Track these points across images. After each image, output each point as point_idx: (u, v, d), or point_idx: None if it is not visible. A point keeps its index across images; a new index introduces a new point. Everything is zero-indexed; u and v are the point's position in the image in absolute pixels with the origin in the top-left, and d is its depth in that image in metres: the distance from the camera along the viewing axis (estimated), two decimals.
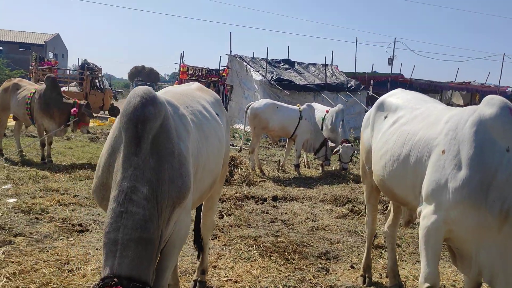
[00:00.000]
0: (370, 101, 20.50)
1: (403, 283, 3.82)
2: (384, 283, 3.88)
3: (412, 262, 4.44)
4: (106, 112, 20.01)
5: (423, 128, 2.95)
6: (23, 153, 8.59)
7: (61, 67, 30.11)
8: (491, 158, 2.45)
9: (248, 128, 9.61)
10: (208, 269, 3.76)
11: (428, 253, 2.70)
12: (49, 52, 39.50)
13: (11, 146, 9.55)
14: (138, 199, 1.93)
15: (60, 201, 5.59)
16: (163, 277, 2.28)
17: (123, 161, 1.99)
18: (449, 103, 30.31)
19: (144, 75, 38.02)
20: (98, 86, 19.74)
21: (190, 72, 25.31)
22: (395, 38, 25.88)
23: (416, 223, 4.13)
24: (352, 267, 4.20)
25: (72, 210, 5.35)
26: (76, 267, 3.76)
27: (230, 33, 18.42)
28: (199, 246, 3.61)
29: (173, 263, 2.39)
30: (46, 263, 3.78)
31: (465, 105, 28.47)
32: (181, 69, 25.29)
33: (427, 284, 2.70)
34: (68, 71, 23.97)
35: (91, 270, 3.72)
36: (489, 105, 2.60)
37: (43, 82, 8.48)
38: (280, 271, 4.00)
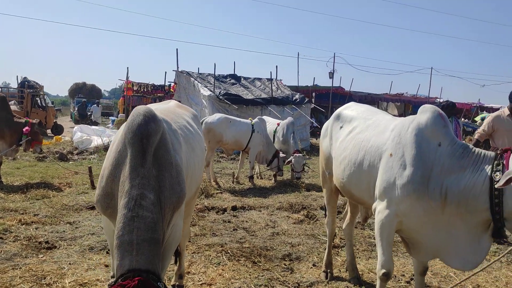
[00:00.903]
0: (313, 113, 21.38)
1: (360, 275, 4.25)
2: (344, 276, 4.29)
3: (366, 258, 4.90)
4: (49, 131, 19.40)
5: (374, 135, 3.41)
6: None
7: None
8: (427, 155, 2.95)
9: None
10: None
11: (383, 243, 3.14)
12: None
13: None
14: (147, 205, 2.18)
15: (22, 220, 5.56)
16: (162, 278, 2.53)
17: (130, 171, 2.24)
18: None
19: (85, 91, 37.00)
20: (40, 104, 19.13)
21: (135, 88, 25.11)
22: (334, 53, 27.06)
23: (369, 221, 4.60)
24: (314, 265, 4.59)
25: (36, 228, 5.36)
26: (54, 281, 3.86)
27: (177, 49, 18.59)
28: (176, 252, 3.84)
29: (168, 263, 2.64)
30: (23, 279, 3.85)
31: (400, 115, 30.41)
32: (126, 85, 25.00)
33: (383, 270, 3.14)
34: (6, 89, 22.92)
35: (69, 283, 3.84)
36: (423, 113, 3.14)
37: None
38: (250, 273, 4.30)
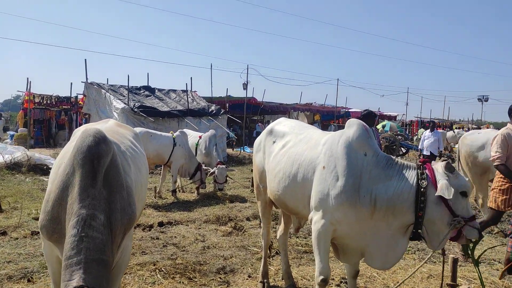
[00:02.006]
0: (228, 124, 21.58)
1: (295, 282, 4.43)
2: (280, 285, 4.44)
3: (296, 265, 5.10)
4: None
5: (307, 149, 3.61)
6: None
7: None
8: (356, 165, 3.24)
9: None
10: None
11: (321, 251, 3.34)
12: None
13: None
14: (97, 225, 2.14)
15: None
16: None
17: (80, 192, 2.19)
18: None
19: None
20: None
21: (37, 100, 23.45)
22: (247, 65, 27.69)
23: (300, 231, 4.82)
24: (249, 276, 4.68)
25: None
26: None
27: (85, 59, 17.71)
28: None
29: (118, 287, 2.57)
30: None
31: (310, 123, 31.84)
32: (26, 97, 23.25)
33: (321, 277, 3.33)
34: None
35: None
36: (350, 127, 3.43)
37: None
38: None
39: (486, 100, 43.45)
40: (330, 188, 3.24)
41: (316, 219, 3.34)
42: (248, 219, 7.42)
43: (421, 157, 13.58)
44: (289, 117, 33.17)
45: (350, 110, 33.67)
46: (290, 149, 3.78)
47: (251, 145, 24.44)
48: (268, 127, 4.24)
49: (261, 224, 4.45)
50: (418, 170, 3.13)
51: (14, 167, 11.78)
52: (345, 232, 3.29)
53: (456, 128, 33.80)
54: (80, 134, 2.42)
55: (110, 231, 2.22)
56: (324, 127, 29.75)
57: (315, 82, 51.99)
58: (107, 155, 2.33)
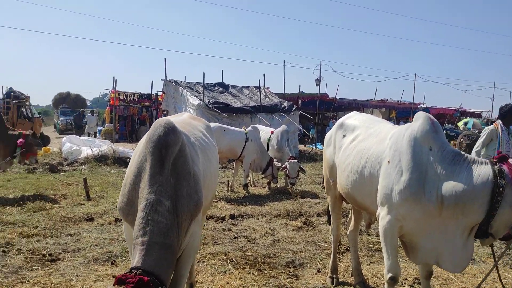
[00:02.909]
0: (300, 120, 21.52)
1: (365, 280, 4.36)
2: (349, 282, 4.39)
3: (368, 263, 5.01)
4: None
5: (375, 143, 3.53)
6: None
7: None
8: (421, 159, 3.09)
9: None
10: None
11: (388, 248, 3.25)
12: None
13: None
14: (162, 211, 2.28)
15: (22, 233, 5.54)
16: (179, 284, 2.60)
17: (149, 179, 2.35)
18: None
19: (70, 101, 36.56)
20: (26, 114, 18.92)
21: (121, 97, 24.97)
22: (320, 61, 27.32)
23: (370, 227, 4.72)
24: (318, 271, 4.68)
25: (37, 241, 5.34)
26: None
27: (165, 58, 18.61)
28: None
29: (188, 271, 2.71)
30: None
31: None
32: (112, 95, 24.86)
33: (390, 274, 3.24)
34: None
35: None
36: (416, 120, 3.29)
37: None
38: (256, 280, 4.37)
39: None
40: (394, 183, 3.14)
41: (382, 215, 3.26)
42: (318, 215, 7.39)
43: None
44: None
45: (428, 107, 32.08)
46: (359, 143, 3.71)
47: (323, 142, 24.15)
48: (339, 120, 4.20)
49: (331, 219, 4.42)
50: (495, 167, 2.91)
51: (101, 159, 12.68)
52: (412, 229, 3.17)
53: None
54: (152, 125, 2.59)
55: (176, 217, 2.36)
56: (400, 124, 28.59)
57: (390, 77, 50.20)
58: (175, 144, 2.47)
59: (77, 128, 25.65)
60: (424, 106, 32.04)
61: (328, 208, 4.53)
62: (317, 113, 23.46)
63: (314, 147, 20.66)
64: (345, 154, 3.81)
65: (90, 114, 24.93)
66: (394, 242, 3.22)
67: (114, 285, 2.03)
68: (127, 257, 4.96)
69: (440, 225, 3.03)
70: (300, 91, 28.12)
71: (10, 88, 19.19)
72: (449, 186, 2.94)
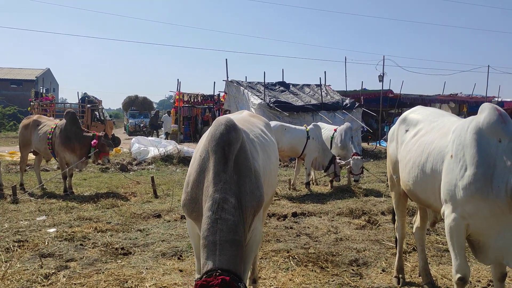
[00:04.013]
0: (363, 118, 21.06)
1: (434, 281, 4.20)
2: (416, 282, 4.25)
3: (437, 264, 4.82)
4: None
5: (438, 138, 3.38)
6: (44, 187, 8.89)
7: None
8: (488, 153, 2.89)
9: None
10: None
11: (455, 247, 3.10)
12: (40, 87, 40.04)
13: (30, 180, 9.84)
14: (229, 208, 2.33)
15: (97, 228, 5.91)
16: (243, 278, 2.66)
17: (213, 177, 2.41)
18: None
19: (138, 104, 38.32)
20: (99, 117, 20.11)
21: (185, 99, 25.80)
22: (383, 56, 26.57)
23: (437, 226, 4.53)
24: (383, 270, 4.57)
25: (110, 235, 5.67)
26: (135, 285, 4.09)
27: (226, 59, 19.01)
28: None
29: (249, 266, 2.76)
30: (107, 283, 4.10)
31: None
32: (176, 97, 25.75)
33: (458, 275, 3.09)
34: (68, 104, 24.28)
35: (149, 286, 4.05)
36: (481, 112, 3.09)
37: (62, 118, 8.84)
38: (319, 278, 4.35)
39: None
40: (457, 179, 2.99)
41: (447, 213, 3.12)
42: (383, 213, 7.21)
43: None
44: None
45: (504, 100, 30.11)
46: (421, 138, 3.59)
47: (387, 139, 23.46)
48: (402, 115, 4.08)
49: (395, 217, 4.30)
50: None
51: (167, 159, 13.20)
52: (479, 227, 2.99)
53: None
54: (213, 123, 2.67)
55: (241, 212, 2.40)
56: None
57: (460, 70, 47.63)
58: (237, 142, 2.53)
59: (153, 128, 26.75)
60: (499, 100, 30.11)
61: (392, 206, 4.41)
62: (380, 109, 22.81)
63: (378, 145, 20.13)
64: (406, 149, 3.70)
65: (166, 114, 25.97)
66: (461, 241, 3.08)
67: None
68: (193, 252, 5.11)
69: (511, 222, 2.85)
70: (363, 87, 27.52)
71: (85, 93, 20.54)
72: None
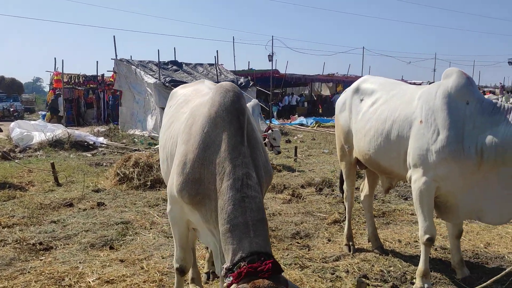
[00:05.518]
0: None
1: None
2: (366, 248, 4.38)
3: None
4: None
5: (401, 105, 3.47)
6: None
7: None
8: (457, 115, 3.05)
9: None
10: None
11: (424, 210, 3.23)
12: None
13: None
14: (253, 184, 2.06)
15: (2, 223, 5.05)
16: None
17: (230, 151, 2.10)
18: (319, 94, 33.25)
19: (4, 86, 33.84)
20: None
21: (65, 80, 23.53)
22: (272, 36, 27.20)
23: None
24: (329, 240, 4.63)
25: (20, 230, 4.89)
26: (75, 282, 3.56)
27: (114, 36, 17.74)
28: None
29: None
30: (40, 283, 3.52)
31: (331, 95, 31.49)
32: (55, 77, 23.40)
33: (427, 236, 3.23)
34: None
35: (93, 281, 3.56)
36: (448, 76, 3.24)
37: None
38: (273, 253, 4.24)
39: None
40: (429, 143, 3.10)
41: (416, 177, 3.22)
42: (302, 186, 7.38)
43: None
44: (310, 89, 32.95)
45: None
46: (381, 106, 3.64)
47: (277, 117, 24.30)
48: (353, 85, 4.10)
49: (345, 186, 4.35)
50: None
51: (56, 144, 11.89)
52: (450, 188, 3.15)
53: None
54: (216, 90, 2.33)
55: (260, 188, 2.15)
56: None
57: (339, 51, 51.02)
58: (246, 110, 2.27)
59: (54, 112, 23.18)
60: None
61: (340, 175, 4.47)
62: (271, 89, 23.41)
63: (269, 123, 20.65)
64: (365, 119, 3.73)
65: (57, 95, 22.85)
66: (430, 203, 3.20)
67: (242, 279, 1.79)
68: (125, 240, 4.67)
69: (480, 180, 3.03)
70: (250, 67, 27.96)
71: None
72: (489, 137, 2.93)
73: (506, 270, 2.84)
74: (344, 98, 4.13)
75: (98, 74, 24.19)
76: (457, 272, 3.59)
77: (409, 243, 4.49)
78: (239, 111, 2.19)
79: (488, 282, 2.81)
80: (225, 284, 1.90)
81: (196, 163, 2.20)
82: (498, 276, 2.77)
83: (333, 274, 3.73)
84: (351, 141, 3.98)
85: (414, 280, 3.47)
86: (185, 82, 16.58)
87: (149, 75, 16.47)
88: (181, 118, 2.69)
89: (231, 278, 1.86)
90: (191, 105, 2.69)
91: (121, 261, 4.04)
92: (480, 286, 2.87)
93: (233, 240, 1.93)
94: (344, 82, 33.20)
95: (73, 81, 24.05)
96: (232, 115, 2.17)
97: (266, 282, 1.77)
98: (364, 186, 4.39)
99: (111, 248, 4.44)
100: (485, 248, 4.34)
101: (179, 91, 3.40)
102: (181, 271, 2.82)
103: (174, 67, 18.67)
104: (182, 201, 2.34)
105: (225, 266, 1.93)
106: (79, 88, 24.09)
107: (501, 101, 5.98)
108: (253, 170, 2.11)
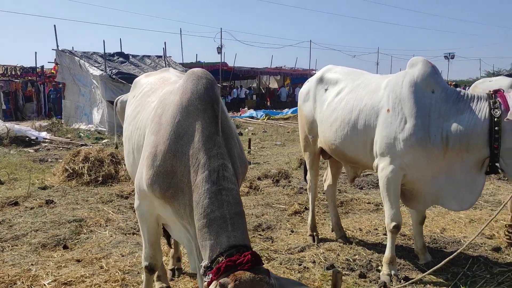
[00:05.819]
0: None
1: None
2: (329, 237, 4.40)
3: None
4: None
5: (367, 94, 3.48)
6: None
7: None
8: (423, 104, 3.11)
9: None
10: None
11: (390, 197, 3.28)
12: None
13: None
14: (229, 176, 1.96)
15: None
16: None
17: (205, 141, 1.99)
18: (268, 87, 33.43)
19: None
20: None
21: (1, 71, 22.09)
22: (221, 28, 26.96)
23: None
24: (292, 231, 4.62)
25: None
26: (28, 285, 3.31)
27: (55, 25, 16.75)
28: (169, 236, 3.55)
29: None
30: None
31: (280, 87, 31.76)
32: None
33: (394, 223, 3.28)
34: None
35: (49, 283, 3.32)
36: (413, 65, 3.29)
37: None
38: None
39: (452, 57, 44.23)
40: (397, 131, 3.14)
41: (383, 166, 3.26)
42: (259, 178, 7.34)
43: None
44: (259, 82, 33.04)
45: None
46: (347, 96, 3.64)
47: (227, 110, 24.14)
48: (317, 74, 4.08)
49: (309, 176, 4.33)
50: (490, 100, 2.97)
51: None
52: (416, 176, 3.21)
53: None
54: (187, 77, 2.19)
55: (236, 180, 2.04)
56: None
57: (286, 44, 51.44)
58: (219, 97, 2.15)
59: None
60: (316, 72, 33.45)
61: (304, 165, 4.45)
62: (220, 82, 23.25)
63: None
64: (330, 108, 3.73)
65: None
66: (397, 191, 3.25)
67: (222, 274, 1.71)
68: (79, 239, 4.42)
69: (444, 167, 3.11)
70: (198, 60, 27.60)
71: None
72: (454, 125, 2.99)
73: (458, 250, 3.03)
74: (307, 87, 4.10)
75: (38, 66, 22.88)
76: (420, 258, 3.69)
77: (370, 231, 4.57)
78: (213, 99, 2.08)
79: (442, 262, 2.97)
80: (205, 283, 1.80)
81: (168, 154, 2.07)
82: (451, 256, 2.94)
83: (300, 265, 3.72)
84: (316, 131, 3.97)
85: (380, 267, 3.52)
86: (133, 75, 16.06)
87: (94, 67, 15.77)
88: (149, 108, 2.54)
89: (211, 276, 1.77)
90: (159, 94, 2.54)
91: (78, 261, 3.81)
92: (435, 267, 3.02)
93: (210, 236, 1.83)
94: (292, 75, 33.59)
95: (9, 73, 22.56)
96: (206, 103, 2.05)
97: (247, 273, 1.69)
98: (328, 176, 4.41)
99: (65, 247, 4.19)
100: (441, 233, 4.50)
101: (143, 79, 3.23)
102: (151, 270, 2.68)
103: (121, 59, 17.98)
104: (152, 196, 2.20)
105: (203, 264, 1.83)
106: (16, 80, 22.68)
107: None
108: (229, 161, 2.01)
